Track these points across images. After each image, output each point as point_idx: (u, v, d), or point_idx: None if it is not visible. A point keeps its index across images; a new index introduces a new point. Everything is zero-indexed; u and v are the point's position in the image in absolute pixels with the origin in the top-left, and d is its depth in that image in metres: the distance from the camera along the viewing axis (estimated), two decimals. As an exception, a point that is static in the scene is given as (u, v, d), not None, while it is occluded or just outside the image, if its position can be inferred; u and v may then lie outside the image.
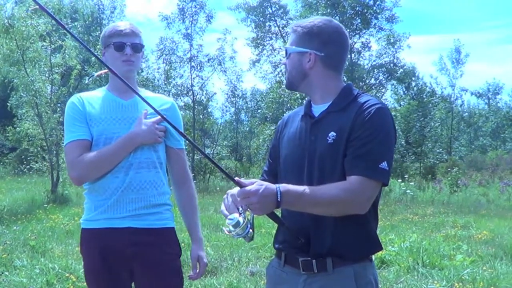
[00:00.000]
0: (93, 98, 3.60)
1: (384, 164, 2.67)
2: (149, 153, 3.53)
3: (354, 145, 2.70)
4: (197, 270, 3.74)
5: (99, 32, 33.42)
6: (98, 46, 34.10)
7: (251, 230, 2.62)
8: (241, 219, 2.57)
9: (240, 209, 2.62)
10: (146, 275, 3.50)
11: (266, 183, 2.54)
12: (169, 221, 3.60)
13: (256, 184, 2.52)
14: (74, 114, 3.54)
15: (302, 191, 2.62)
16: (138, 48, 3.59)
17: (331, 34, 2.89)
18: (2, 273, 7.83)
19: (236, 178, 2.54)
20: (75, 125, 3.52)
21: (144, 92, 3.70)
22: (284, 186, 2.58)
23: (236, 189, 2.67)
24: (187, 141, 3.25)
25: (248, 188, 2.50)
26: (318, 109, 2.93)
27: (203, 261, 3.75)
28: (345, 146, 2.73)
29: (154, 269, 3.49)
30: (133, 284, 3.61)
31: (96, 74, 3.46)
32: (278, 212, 2.79)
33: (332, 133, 2.77)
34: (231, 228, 2.57)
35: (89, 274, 3.63)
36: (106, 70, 3.07)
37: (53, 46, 19.45)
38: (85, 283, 7.18)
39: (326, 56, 2.88)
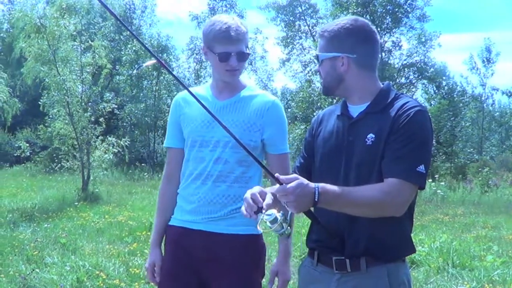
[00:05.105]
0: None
1: (421, 168, 2.66)
2: (233, 167, 3.43)
3: (392, 148, 2.69)
4: (274, 286, 3.59)
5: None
6: (129, 45, 34.39)
7: (288, 227, 2.59)
8: (278, 216, 2.53)
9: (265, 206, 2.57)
10: (217, 282, 3.45)
11: (305, 182, 2.51)
12: (243, 227, 3.44)
13: (295, 182, 2.48)
14: (171, 117, 3.69)
15: (340, 191, 2.60)
16: (244, 57, 3.42)
17: (359, 33, 2.87)
18: (33, 270, 7.89)
19: (276, 175, 2.51)
20: (170, 130, 3.71)
21: (247, 91, 3.55)
22: (322, 186, 2.55)
23: (256, 188, 2.66)
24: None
25: (288, 186, 2.47)
26: (355, 110, 2.92)
27: (283, 277, 3.56)
28: (383, 148, 2.71)
29: (222, 277, 3.42)
30: None
31: (144, 64, 3.38)
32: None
33: (371, 135, 2.76)
34: (269, 224, 2.54)
35: (162, 264, 3.67)
36: (154, 61, 3.02)
37: (83, 46, 19.58)
38: (115, 281, 7.35)
39: (359, 57, 2.86)
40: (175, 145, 3.67)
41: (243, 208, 2.63)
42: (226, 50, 3.34)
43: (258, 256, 3.55)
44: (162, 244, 3.74)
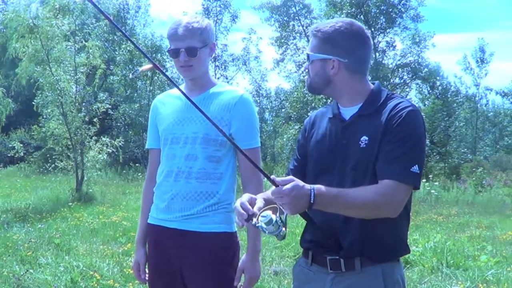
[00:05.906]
0: (168, 97, 3.69)
1: (415, 168, 2.66)
2: (204, 163, 3.44)
3: (385, 149, 2.70)
4: (239, 283, 3.55)
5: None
6: (123, 46, 34.29)
7: (283, 229, 2.58)
8: (274, 217, 2.53)
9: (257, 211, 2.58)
10: (191, 280, 3.48)
11: (301, 184, 2.51)
12: (216, 225, 3.46)
13: (291, 184, 2.48)
14: (150, 120, 3.80)
15: (335, 193, 2.61)
16: (193, 52, 3.41)
17: (353, 39, 2.86)
18: (27, 270, 7.88)
19: (272, 176, 2.52)
20: (149, 132, 3.81)
21: (217, 88, 3.57)
22: (318, 188, 2.55)
23: (245, 197, 2.68)
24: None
25: (283, 188, 2.47)
26: (347, 112, 2.91)
27: (250, 274, 3.53)
28: (377, 150, 2.72)
29: (196, 275, 3.46)
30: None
31: (140, 69, 3.37)
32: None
33: (365, 137, 2.76)
34: (264, 226, 2.53)
35: (148, 264, 3.75)
36: (151, 66, 3.02)
37: (77, 46, 19.56)
38: (109, 281, 7.36)
39: (350, 62, 2.85)
40: (155, 146, 3.76)
41: (236, 219, 2.64)
42: (175, 46, 3.43)
43: (232, 253, 3.56)
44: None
